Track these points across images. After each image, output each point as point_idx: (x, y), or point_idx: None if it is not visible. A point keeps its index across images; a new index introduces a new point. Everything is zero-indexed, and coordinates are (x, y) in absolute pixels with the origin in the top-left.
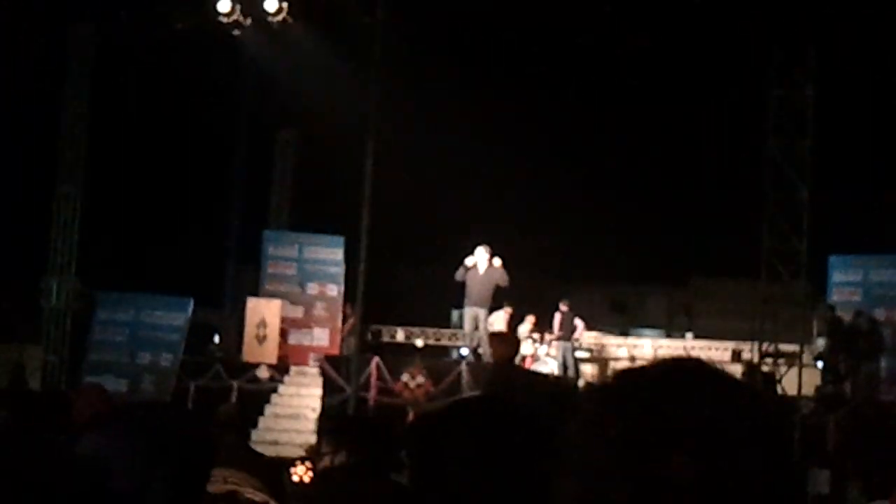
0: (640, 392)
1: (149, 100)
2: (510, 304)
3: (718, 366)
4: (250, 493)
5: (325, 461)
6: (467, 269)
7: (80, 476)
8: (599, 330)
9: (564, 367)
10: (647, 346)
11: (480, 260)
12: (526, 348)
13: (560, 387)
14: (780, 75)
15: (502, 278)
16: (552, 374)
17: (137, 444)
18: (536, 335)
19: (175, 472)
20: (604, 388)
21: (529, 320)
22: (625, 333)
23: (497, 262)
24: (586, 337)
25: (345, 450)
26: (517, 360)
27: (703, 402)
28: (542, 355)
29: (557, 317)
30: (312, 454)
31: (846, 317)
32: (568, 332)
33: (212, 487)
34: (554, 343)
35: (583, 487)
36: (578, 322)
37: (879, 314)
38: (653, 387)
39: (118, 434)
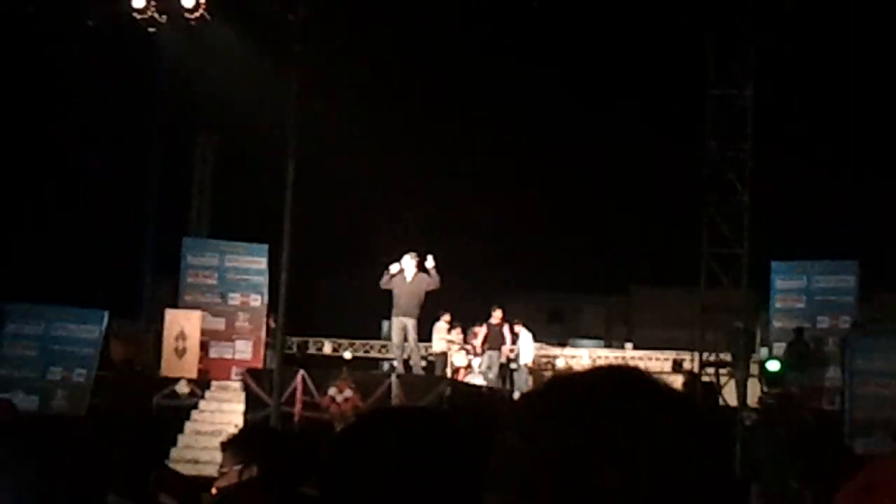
0: (568, 402)
1: (58, 101)
2: (448, 313)
3: (652, 374)
4: None
5: (232, 477)
6: (392, 275)
7: None
8: (536, 340)
9: (503, 378)
10: (584, 357)
11: (407, 267)
12: (459, 359)
13: (492, 399)
14: (719, 74)
15: (432, 282)
16: (485, 387)
17: (26, 459)
18: (469, 346)
19: (67, 489)
20: (532, 397)
21: (458, 331)
22: (563, 344)
23: (430, 262)
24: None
25: (254, 464)
26: (449, 371)
27: (632, 412)
28: (475, 367)
29: (484, 327)
30: None
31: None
32: (497, 342)
33: None
34: (484, 353)
35: (510, 501)
36: (507, 333)
37: (823, 322)
38: (581, 396)
39: (8, 447)
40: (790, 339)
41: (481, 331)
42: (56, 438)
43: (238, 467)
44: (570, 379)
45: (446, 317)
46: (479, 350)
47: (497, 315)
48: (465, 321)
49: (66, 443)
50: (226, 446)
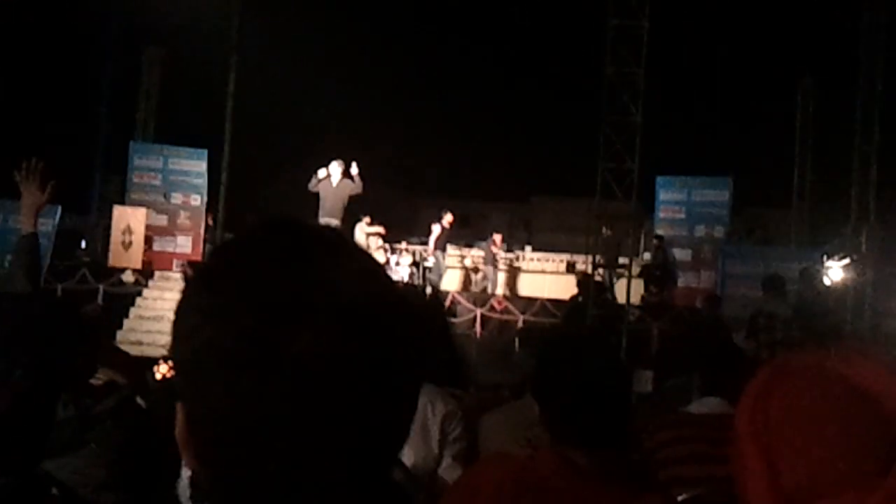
0: (238, 274)
1: (17, 13)
2: (368, 215)
3: (320, 226)
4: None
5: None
6: (319, 180)
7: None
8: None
9: (421, 276)
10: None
11: (334, 173)
12: (377, 257)
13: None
14: (618, 6)
15: (355, 187)
16: (401, 282)
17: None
18: (387, 245)
19: (44, 363)
20: (204, 274)
21: (378, 231)
22: (469, 245)
23: (354, 170)
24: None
25: None
26: None
27: (315, 276)
28: (392, 264)
29: (437, 229)
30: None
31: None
32: (444, 244)
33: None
34: (432, 252)
35: (208, 374)
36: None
37: (699, 231)
38: (256, 263)
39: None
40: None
41: (435, 231)
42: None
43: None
44: (234, 244)
45: (367, 219)
46: (431, 250)
47: (448, 219)
48: (385, 223)
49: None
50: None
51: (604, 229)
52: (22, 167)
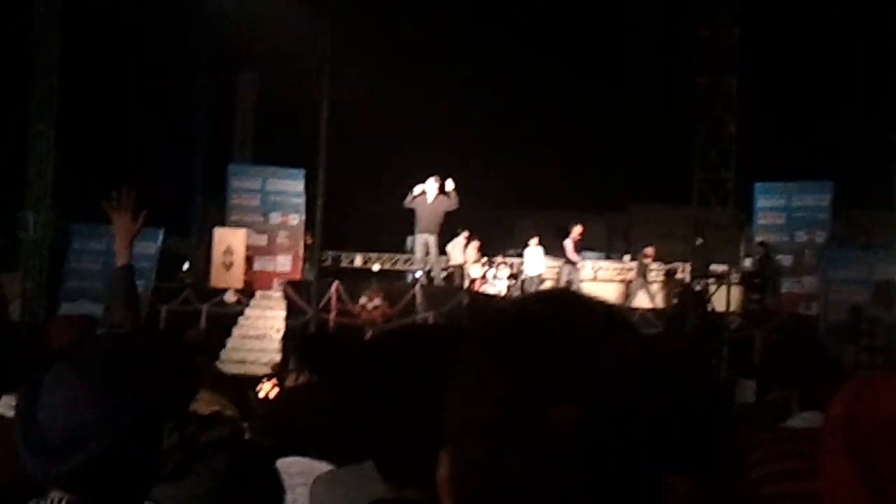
0: (513, 337)
1: (118, 41)
2: (466, 229)
3: (591, 297)
4: (229, 412)
5: (291, 379)
6: (414, 196)
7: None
8: (545, 254)
9: (520, 289)
10: (588, 268)
11: (430, 189)
12: (475, 271)
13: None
14: (709, 16)
15: (451, 203)
16: (498, 296)
17: (105, 372)
18: (485, 258)
19: (147, 398)
20: (479, 333)
21: (475, 245)
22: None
23: (449, 185)
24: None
25: (307, 370)
26: (466, 282)
27: (580, 342)
28: (490, 277)
29: (570, 243)
30: (277, 372)
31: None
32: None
33: (197, 409)
34: (564, 267)
35: (475, 432)
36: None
37: (800, 236)
38: (526, 330)
39: (85, 361)
40: (759, 253)
41: (567, 246)
42: (135, 351)
43: (294, 372)
44: (515, 309)
45: (465, 233)
46: (575, 259)
47: (577, 231)
48: (477, 238)
49: (146, 353)
50: (289, 352)
51: (699, 239)
52: (112, 198)
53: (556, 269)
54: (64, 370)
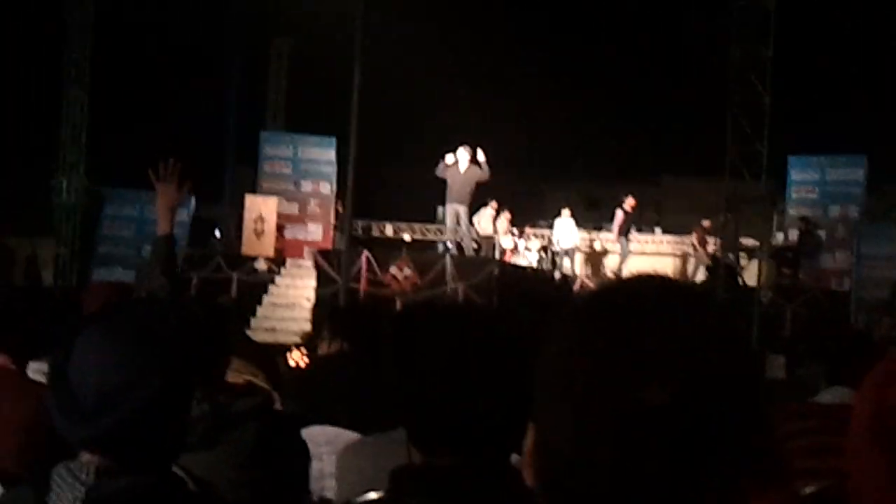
0: (610, 317)
1: (151, 9)
2: (495, 200)
3: (690, 284)
4: (260, 383)
5: (323, 348)
6: (447, 166)
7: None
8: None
9: (552, 261)
10: (634, 243)
11: (461, 159)
12: (506, 242)
13: (535, 279)
14: None
15: (483, 174)
16: (529, 268)
17: (136, 335)
18: (515, 229)
19: (177, 363)
20: (575, 311)
21: (505, 216)
22: (598, 228)
23: (480, 156)
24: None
25: (339, 339)
26: (497, 253)
27: (674, 326)
28: (521, 249)
29: (620, 214)
30: (307, 340)
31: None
32: (626, 229)
33: (229, 378)
34: (616, 238)
35: (560, 409)
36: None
37: (833, 211)
38: (623, 311)
39: (116, 325)
40: (799, 227)
41: (618, 216)
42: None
43: (327, 341)
44: (611, 291)
45: (493, 203)
46: (616, 236)
47: (630, 203)
48: (507, 208)
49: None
50: (322, 321)
51: (723, 213)
52: (159, 167)
53: (588, 241)
54: (95, 333)
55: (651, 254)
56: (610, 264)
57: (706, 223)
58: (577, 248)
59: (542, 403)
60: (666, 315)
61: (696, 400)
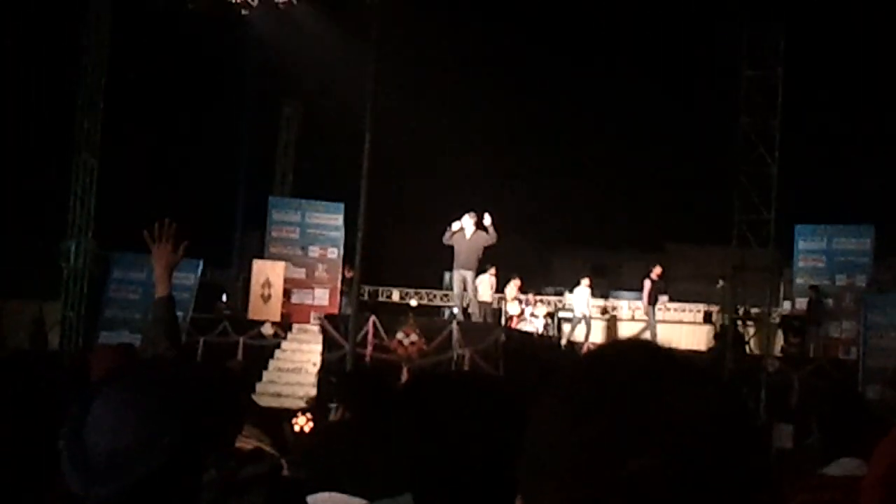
0: (593, 386)
1: (161, 73)
2: (494, 266)
3: (676, 351)
4: (268, 448)
5: (334, 414)
6: (453, 233)
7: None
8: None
9: (556, 327)
10: (624, 308)
11: (467, 226)
12: (512, 308)
13: (541, 345)
14: (752, 57)
15: (489, 238)
16: (536, 334)
17: (150, 398)
18: (522, 296)
19: (189, 426)
20: (560, 380)
21: (514, 283)
22: (604, 296)
23: (487, 220)
24: (568, 298)
25: (343, 406)
26: (503, 320)
27: (659, 396)
28: (527, 315)
29: (647, 284)
30: (312, 406)
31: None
32: (653, 298)
33: (237, 444)
34: (645, 309)
35: (547, 480)
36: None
37: (841, 280)
38: (607, 379)
39: (129, 388)
40: (809, 296)
41: (646, 286)
42: (179, 379)
43: (338, 407)
44: (594, 359)
45: (492, 270)
46: (645, 306)
47: (656, 272)
48: (515, 274)
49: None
50: (333, 386)
51: (721, 281)
52: (154, 228)
53: (603, 308)
54: (111, 394)
55: (671, 321)
56: (626, 332)
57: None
58: (594, 317)
59: (530, 475)
60: (653, 383)
61: (685, 470)
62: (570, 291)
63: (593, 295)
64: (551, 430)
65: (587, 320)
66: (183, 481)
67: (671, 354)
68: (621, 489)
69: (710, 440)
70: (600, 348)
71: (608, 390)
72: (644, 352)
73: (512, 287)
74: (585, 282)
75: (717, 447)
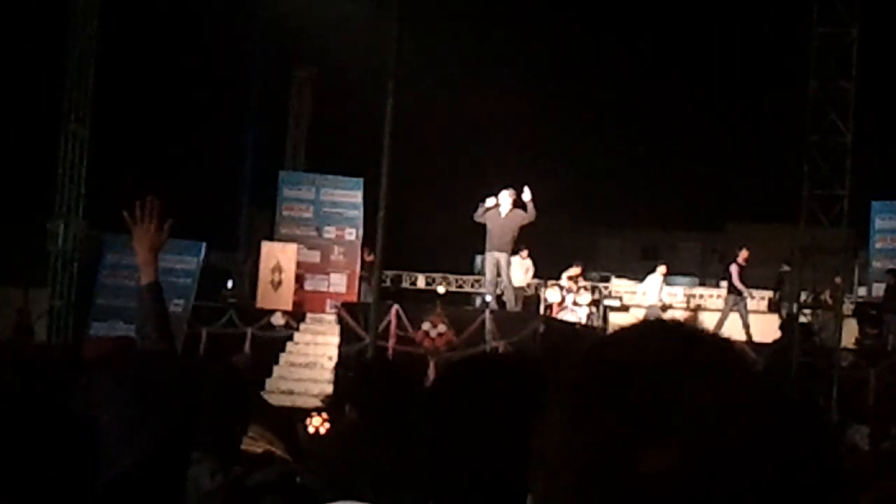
0: (607, 375)
1: (159, 36)
2: (526, 248)
3: (704, 330)
4: (279, 452)
5: (349, 413)
6: (487, 209)
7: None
8: (630, 278)
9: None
10: (679, 295)
11: (503, 203)
12: (552, 296)
13: (585, 336)
14: (824, 12)
15: (527, 216)
16: (578, 324)
17: (131, 394)
18: (574, 285)
19: (175, 423)
20: (572, 369)
21: (573, 270)
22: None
23: (527, 194)
24: (615, 285)
25: (350, 406)
26: (541, 308)
27: (680, 384)
28: (569, 303)
29: (735, 269)
30: (328, 404)
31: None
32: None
33: (245, 446)
34: (730, 297)
35: (559, 478)
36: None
37: None
38: (622, 367)
39: (113, 382)
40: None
41: (733, 272)
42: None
43: (349, 408)
44: (608, 345)
45: (524, 252)
46: (740, 287)
47: (743, 255)
48: (558, 257)
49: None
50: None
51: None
52: (135, 208)
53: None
54: (94, 387)
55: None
56: (706, 322)
57: (575, 270)
58: (670, 306)
59: (542, 471)
60: (674, 370)
61: (708, 469)
62: (641, 280)
63: (638, 280)
64: (564, 421)
65: (664, 311)
66: (163, 481)
67: (699, 338)
68: (636, 485)
69: (738, 436)
70: (616, 332)
71: (624, 377)
72: (666, 336)
73: (572, 272)
74: (661, 269)
75: (749, 445)
